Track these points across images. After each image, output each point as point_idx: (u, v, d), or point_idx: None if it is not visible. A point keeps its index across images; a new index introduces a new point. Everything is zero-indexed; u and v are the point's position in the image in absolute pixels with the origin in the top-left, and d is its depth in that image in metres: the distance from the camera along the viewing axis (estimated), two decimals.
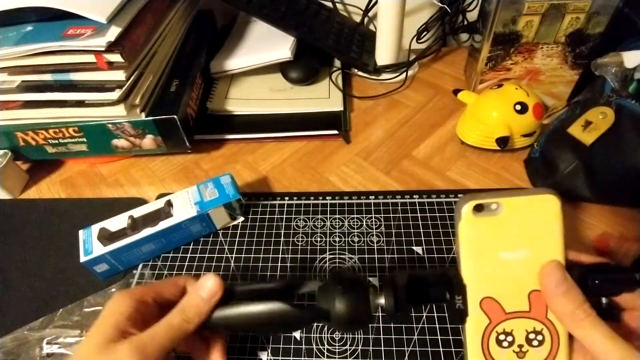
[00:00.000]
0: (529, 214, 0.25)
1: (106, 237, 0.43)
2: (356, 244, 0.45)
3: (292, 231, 0.47)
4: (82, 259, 0.42)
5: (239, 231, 0.48)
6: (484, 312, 0.25)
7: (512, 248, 0.25)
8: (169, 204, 0.45)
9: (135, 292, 0.31)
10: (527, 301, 0.25)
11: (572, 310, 0.24)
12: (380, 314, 0.39)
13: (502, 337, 0.26)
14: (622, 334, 0.24)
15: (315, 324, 0.39)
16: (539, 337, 0.26)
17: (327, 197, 0.50)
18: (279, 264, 0.44)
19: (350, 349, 0.37)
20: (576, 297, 0.25)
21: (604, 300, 0.27)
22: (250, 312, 0.30)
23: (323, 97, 0.64)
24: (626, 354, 0.23)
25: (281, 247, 0.46)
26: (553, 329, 0.25)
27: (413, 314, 0.39)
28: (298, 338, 0.39)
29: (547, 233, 0.25)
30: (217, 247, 0.46)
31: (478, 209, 0.25)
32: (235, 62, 0.64)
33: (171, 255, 0.46)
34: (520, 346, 0.26)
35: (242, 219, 0.49)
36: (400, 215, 0.48)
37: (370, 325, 0.38)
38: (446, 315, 0.38)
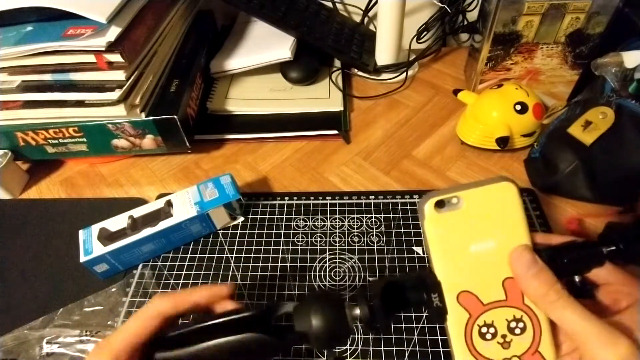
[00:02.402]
0: (489, 204, 0.25)
1: (106, 237, 0.43)
2: (356, 244, 0.45)
3: (292, 231, 0.47)
4: (82, 258, 0.42)
5: (239, 231, 0.48)
6: (463, 307, 0.25)
7: (479, 239, 0.25)
8: (169, 204, 0.45)
9: (165, 310, 0.28)
10: (502, 290, 0.25)
11: (544, 292, 0.24)
12: (360, 327, 0.38)
13: (484, 329, 0.26)
14: (597, 311, 0.24)
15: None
16: (520, 325, 0.26)
17: (327, 197, 0.50)
18: (279, 264, 0.44)
19: (350, 349, 0.37)
20: (547, 279, 0.24)
21: (577, 278, 0.27)
22: (219, 348, 0.27)
23: (323, 97, 0.64)
24: (600, 332, 0.23)
25: (281, 247, 0.46)
26: (532, 314, 0.26)
27: (413, 314, 0.39)
28: None
29: (510, 220, 0.26)
30: (217, 247, 0.46)
31: (440, 205, 0.25)
32: (235, 62, 0.64)
33: (171, 255, 0.46)
34: (504, 336, 0.26)
35: (242, 219, 0.49)
36: (400, 215, 0.48)
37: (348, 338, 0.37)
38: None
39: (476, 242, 0.25)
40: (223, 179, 0.47)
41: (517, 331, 0.26)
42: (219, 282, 0.43)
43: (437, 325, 0.38)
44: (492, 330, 0.26)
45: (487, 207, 0.25)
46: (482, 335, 0.26)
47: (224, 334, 0.27)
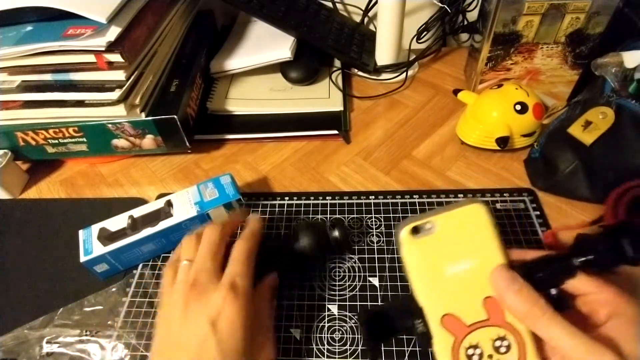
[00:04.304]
0: (462, 226, 0.26)
1: (106, 237, 0.43)
2: (356, 244, 0.45)
3: (292, 231, 0.47)
4: (82, 258, 0.42)
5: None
6: (447, 330, 0.26)
7: (455, 261, 0.26)
8: (169, 204, 0.45)
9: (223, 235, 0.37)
10: (483, 309, 0.26)
11: (528, 309, 0.24)
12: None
13: (470, 351, 0.26)
14: (576, 321, 0.24)
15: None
16: (505, 343, 0.26)
17: (327, 197, 0.50)
18: None
19: (350, 349, 0.37)
20: (529, 296, 0.25)
21: (553, 291, 0.27)
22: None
23: (323, 97, 0.64)
24: (587, 347, 0.23)
25: None
26: (515, 332, 0.26)
27: None
28: (298, 338, 0.39)
29: (483, 240, 0.26)
30: None
31: (415, 231, 0.26)
32: (235, 62, 0.64)
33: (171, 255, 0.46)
34: (490, 356, 0.26)
35: None
36: (400, 215, 0.48)
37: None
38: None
39: (453, 264, 0.26)
40: (223, 179, 0.47)
41: (503, 349, 0.26)
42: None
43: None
44: (478, 351, 0.26)
45: (460, 230, 0.26)
46: (469, 357, 0.26)
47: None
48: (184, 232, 0.45)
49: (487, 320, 0.26)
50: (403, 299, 0.27)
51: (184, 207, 0.45)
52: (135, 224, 0.44)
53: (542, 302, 0.24)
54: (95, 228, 0.44)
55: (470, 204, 0.26)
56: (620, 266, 0.26)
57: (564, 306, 0.27)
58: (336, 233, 0.40)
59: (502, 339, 0.26)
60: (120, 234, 0.43)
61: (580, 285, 0.27)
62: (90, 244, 0.42)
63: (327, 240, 0.40)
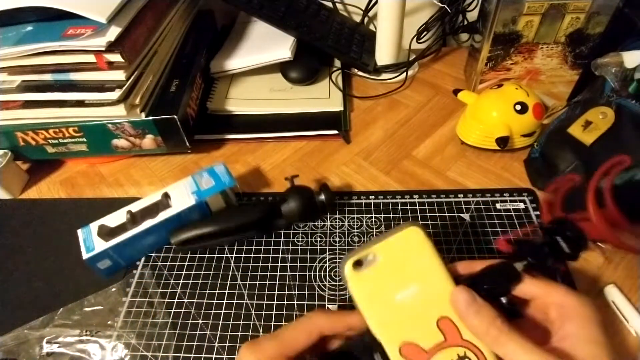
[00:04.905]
0: (402, 251, 0.26)
1: (107, 233, 0.43)
2: (356, 244, 0.45)
3: (292, 231, 0.47)
4: (85, 256, 0.42)
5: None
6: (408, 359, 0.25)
7: (403, 287, 0.26)
8: (166, 195, 0.46)
9: (324, 328, 0.28)
10: (439, 331, 0.25)
11: (485, 330, 0.24)
12: None
13: None
14: (533, 329, 0.25)
15: None
16: None
17: None
18: (279, 264, 0.44)
19: None
20: (486, 315, 0.24)
21: (503, 299, 0.27)
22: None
23: (323, 97, 0.64)
24: None
25: (281, 247, 0.46)
26: (474, 347, 0.25)
27: None
28: None
29: (425, 261, 0.26)
30: (217, 247, 0.46)
31: (358, 264, 0.26)
32: (235, 62, 0.64)
33: (171, 255, 0.46)
34: None
35: (237, 203, 0.50)
36: (400, 215, 0.48)
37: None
38: None
39: (401, 291, 0.26)
40: (217, 168, 0.48)
41: None
42: (245, 291, 0.43)
43: None
44: None
45: (401, 255, 0.26)
46: None
47: None
48: (184, 222, 0.45)
49: (445, 342, 0.25)
50: (364, 334, 0.27)
51: (182, 197, 0.45)
52: (135, 218, 0.44)
53: (498, 322, 0.24)
54: (93, 226, 0.44)
55: (407, 227, 0.26)
56: (562, 263, 0.26)
57: (517, 313, 0.27)
58: (322, 196, 0.46)
59: (463, 357, 0.25)
60: (121, 228, 0.43)
61: (528, 289, 0.26)
62: (91, 241, 0.42)
63: (314, 202, 0.46)
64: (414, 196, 0.50)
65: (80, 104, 0.49)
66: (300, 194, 0.46)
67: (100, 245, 0.42)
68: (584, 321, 0.24)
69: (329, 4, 0.74)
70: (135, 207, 0.45)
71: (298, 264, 0.44)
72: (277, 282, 0.43)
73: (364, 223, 0.47)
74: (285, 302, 0.41)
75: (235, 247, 0.46)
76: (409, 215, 0.48)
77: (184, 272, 0.45)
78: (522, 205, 0.48)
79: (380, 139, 0.59)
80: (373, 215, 0.48)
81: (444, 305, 0.26)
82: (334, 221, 0.48)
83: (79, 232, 0.43)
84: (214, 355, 0.38)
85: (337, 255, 0.45)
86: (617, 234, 0.32)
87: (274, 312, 0.41)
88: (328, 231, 0.47)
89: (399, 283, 0.26)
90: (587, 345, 0.23)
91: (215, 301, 0.42)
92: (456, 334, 0.25)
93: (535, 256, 0.27)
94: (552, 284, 0.26)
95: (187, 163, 0.58)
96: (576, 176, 0.41)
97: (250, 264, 0.45)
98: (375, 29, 0.66)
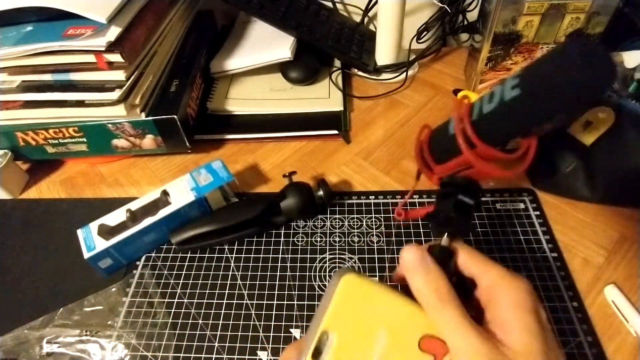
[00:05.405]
0: (349, 309, 0.24)
1: (107, 231, 0.43)
2: (356, 244, 0.45)
3: (292, 231, 0.47)
4: (86, 255, 0.42)
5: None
6: None
7: (373, 342, 0.24)
8: (165, 193, 0.46)
9: None
10: (427, 355, 0.23)
11: (428, 293, 0.23)
12: None
13: None
14: (475, 307, 0.23)
15: None
16: None
17: None
18: (279, 264, 0.44)
19: None
20: (433, 279, 0.23)
21: (454, 279, 0.25)
22: None
23: (323, 97, 0.64)
24: (469, 340, 0.21)
25: (281, 247, 0.46)
26: None
27: None
28: (298, 338, 0.39)
29: (376, 302, 0.24)
30: (217, 247, 0.46)
31: (318, 354, 0.23)
32: (235, 62, 0.64)
33: (171, 255, 0.46)
34: None
35: (236, 200, 0.50)
36: None
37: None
38: None
39: (374, 347, 0.23)
40: (215, 164, 0.48)
41: None
42: (245, 291, 0.43)
43: None
44: None
45: (351, 314, 0.24)
46: None
47: None
48: (184, 219, 0.45)
49: (436, 358, 0.23)
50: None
51: (181, 194, 0.46)
52: (135, 216, 0.44)
53: (444, 289, 0.23)
54: (93, 225, 0.44)
55: (338, 280, 0.24)
56: (470, 218, 0.25)
57: (466, 292, 0.25)
58: (320, 192, 0.46)
59: None
60: (121, 227, 0.44)
61: (466, 268, 0.25)
62: (92, 241, 0.42)
63: (312, 198, 0.46)
64: (414, 196, 0.50)
65: (80, 104, 0.49)
66: (298, 190, 0.46)
67: (101, 244, 0.42)
68: (515, 308, 0.22)
69: (329, 4, 0.74)
70: (134, 205, 0.45)
71: (298, 264, 0.44)
72: (277, 282, 0.43)
73: (364, 223, 0.47)
74: (285, 302, 0.41)
75: (235, 247, 0.46)
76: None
77: (184, 272, 0.45)
78: (522, 205, 0.48)
79: (380, 139, 0.59)
80: (373, 215, 0.48)
81: (418, 328, 0.24)
82: (334, 221, 0.48)
83: (79, 231, 0.43)
84: (214, 355, 0.38)
85: (337, 256, 0.45)
86: (496, 166, 0.32)
87: (274, 312, 0.41)
88: (328, 231, 0.47)
89: (367, 341, 0.24)
90: (521, 335, 0.21)
91: (215, 301, 0.42)
92: (441, 345, 0.23)
93: (450, 223, 0.26)
94: (488, 264, 0.24)
95: (187, 163, 0.58)
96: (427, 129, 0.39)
97: (250, 264, 0.45)
98: (375, 29, 0.66)
